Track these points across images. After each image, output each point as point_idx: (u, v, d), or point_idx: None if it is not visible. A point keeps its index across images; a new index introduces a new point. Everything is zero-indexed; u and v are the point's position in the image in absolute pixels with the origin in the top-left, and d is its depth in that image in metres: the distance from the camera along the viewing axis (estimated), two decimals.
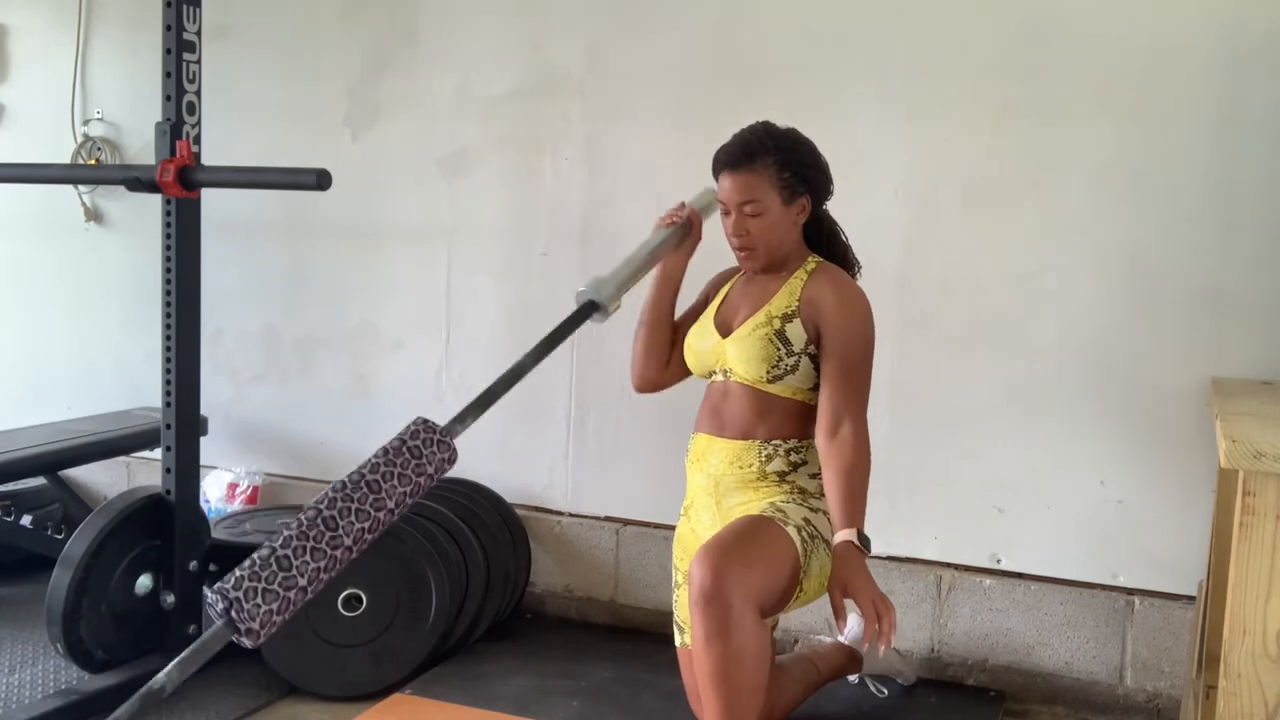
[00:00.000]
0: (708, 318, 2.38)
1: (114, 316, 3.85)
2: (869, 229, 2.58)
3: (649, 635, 3.12)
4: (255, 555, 1.37)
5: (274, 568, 1.36)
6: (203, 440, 2.87)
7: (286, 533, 1.40)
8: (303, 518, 1.43)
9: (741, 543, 2.13)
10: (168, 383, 2.73)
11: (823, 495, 2.22)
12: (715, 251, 2.45)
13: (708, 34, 3.05)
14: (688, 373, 2.45)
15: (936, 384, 2.90)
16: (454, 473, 3.28)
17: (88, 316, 3.90)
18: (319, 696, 2.68)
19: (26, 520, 3.15)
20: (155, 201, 2.72)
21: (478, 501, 3.18)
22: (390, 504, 1.49)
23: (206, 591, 1.37)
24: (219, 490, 3.55)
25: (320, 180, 2.43)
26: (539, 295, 3.27)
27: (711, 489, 2.32)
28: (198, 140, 2.68)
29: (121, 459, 3.73)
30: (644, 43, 3.12)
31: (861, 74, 2.90)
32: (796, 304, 2.27)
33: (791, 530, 2.17)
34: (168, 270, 2.71)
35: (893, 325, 2.82)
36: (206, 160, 2.70)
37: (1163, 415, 2.71)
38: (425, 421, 1.61)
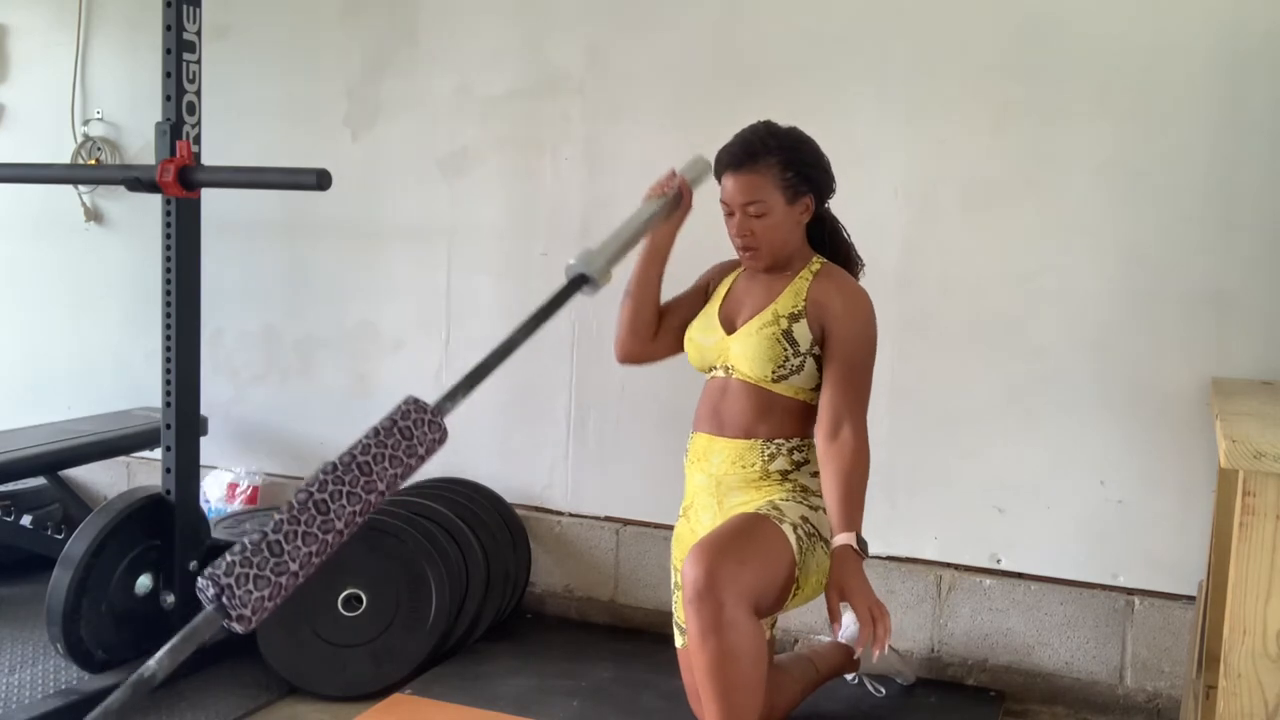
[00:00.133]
0: (712, 312, 2.37)
1: (114, 316, 3.85)
2: (869, 229, 2.58)
3: (649, 635, 3.12)
4: (246, 540, 1.36)
5: (265, 553, 1.35)
6: (203, 440, 2.87)
7: (277, 517, 1.39)
8: (293, 501, 1.41)
9: (735, 541, 2.12)
10: (168, 383, 2.73)
11: None
12: (715, 250, 2.45)
13: (708, 34, 3.05)
14: (674, 351, 2.42)
15: (936, 384, 2.90)
16: (454, 473, 3.36)
17: (88, 316, 3.90)
18: (319, 696, 2.68)
19: (26, 520, 3.14)
20: (155, 201, 2.72)
21: (478, 501, 3.18)
22: (381, 486, 1.48)
23: (198, 578, 1.37)
24: (219, 490, 3.56)
25: (320, 180, 2.43)
26: (539, 295, 3.19)
27: (713, 489, 2.31)
28: (198, 140, 2.69)
29: (121, 459, 3.73)
30: (644, 43, 3.12)
31: (861, 74, 2.90)
32: (803, 304, 2.26)
33: (787, 528, 2.17)
34: (168, 270, 2.71)
35: (893, 325, 2.82)
36: (206, 160, 2.70)
37: (1163, 415, 2.71)
38: (416, 401, 1.58)
